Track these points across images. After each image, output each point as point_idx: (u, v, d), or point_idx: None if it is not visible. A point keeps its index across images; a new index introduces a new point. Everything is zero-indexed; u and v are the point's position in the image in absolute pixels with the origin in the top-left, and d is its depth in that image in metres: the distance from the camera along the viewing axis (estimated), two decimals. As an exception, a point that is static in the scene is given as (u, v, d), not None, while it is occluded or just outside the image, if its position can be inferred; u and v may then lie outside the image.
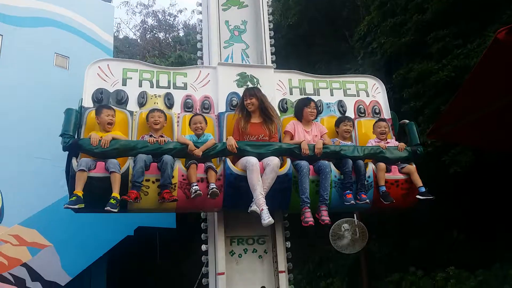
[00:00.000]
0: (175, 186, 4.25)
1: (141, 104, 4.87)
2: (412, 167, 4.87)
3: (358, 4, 10.87)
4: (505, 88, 3.93)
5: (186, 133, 4.75)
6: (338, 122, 5.18)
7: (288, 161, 4.51)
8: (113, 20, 13.33)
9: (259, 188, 4.17)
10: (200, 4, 6.13)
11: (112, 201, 3.96)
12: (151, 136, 4.47)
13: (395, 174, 4.85)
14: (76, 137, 4.33)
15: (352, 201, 4.46)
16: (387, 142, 5.06)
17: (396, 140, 5.21)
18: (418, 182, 4.76)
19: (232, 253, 4.98)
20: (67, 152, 4.22)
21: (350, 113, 5.46)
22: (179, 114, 4.92)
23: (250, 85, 5.17)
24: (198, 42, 6.06)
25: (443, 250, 7.61)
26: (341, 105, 5.47)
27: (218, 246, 4.82)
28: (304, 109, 4.98)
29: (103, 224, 8.54)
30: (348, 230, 6.49)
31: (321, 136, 4.95)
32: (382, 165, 4.75)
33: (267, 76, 5.36)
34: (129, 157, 4.24)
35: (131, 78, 4.99)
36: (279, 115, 5.09)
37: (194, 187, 4.19)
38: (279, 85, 5.43)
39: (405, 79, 8.00)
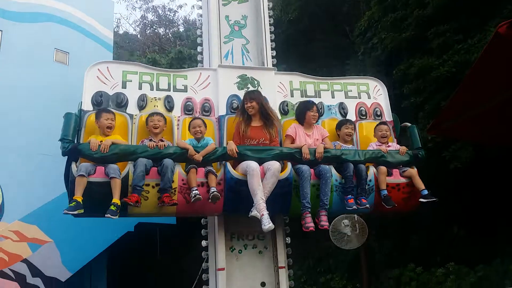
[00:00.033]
0: (175, 190, 4.22)
1: (141, 107, 4.83)
2: (413, 171, 4.82)
3: (359, -1, 10.85)
4: (506, 82, 3.92)
5: (187, 136, 4.72)
6: (339, 125, 5.14)
7: (289, 165, 4.48)
8: (113, 15, 13.31)
9: (260, 193, 4.15)
10: (200, -1, 6.11)
11: (112, 207, 3.95)
12: (151, 140, 4.45)
13: (396, 178, 4.81)
14: (75, 140, 4.31)
15: (354, 206, 4.44)
16: (388, 146, 5.02)
17: (397, 142, 5.19)
18: (420, 185, 4.71)
19: (232, 249, 4.98)
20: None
21: (351, 115, 5.41)
22: (179, 117, 4.88)
23: (251, 88, 5.11)
24: (198, 37, 6.03)
25: (443, 246, 7.61)
26: (342, 107, 5.42)
27: (218, 242, 4.82)
28: (307, 113, 4.91)
29: (103, 220, 8.45)
30: (348, 226, 6.51)
31: (322, 140, 4.91)
32: (383, 168, 4.71)
33: (268, 78, 5.32)
34: (129, 162, 4.22)
35: (131, 81, 4.94)
36: (280, 117, 5.06)
37: (194, 192, 4.17)
38: (280, 87, 5.38)
39: (405, 74, 7.98)
